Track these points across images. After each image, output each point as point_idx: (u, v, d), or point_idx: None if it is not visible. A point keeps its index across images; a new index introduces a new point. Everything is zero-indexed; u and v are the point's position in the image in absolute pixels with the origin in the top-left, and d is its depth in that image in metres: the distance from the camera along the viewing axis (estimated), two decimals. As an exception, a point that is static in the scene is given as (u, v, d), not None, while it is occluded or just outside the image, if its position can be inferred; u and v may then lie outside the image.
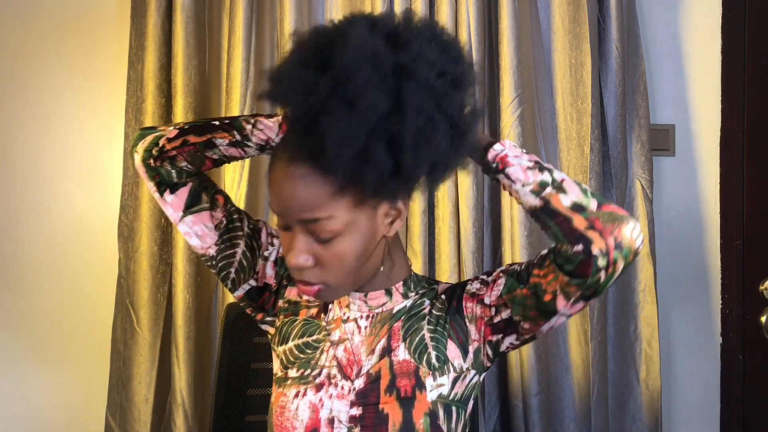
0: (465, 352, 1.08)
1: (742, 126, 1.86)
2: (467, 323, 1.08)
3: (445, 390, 1.05)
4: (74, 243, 1.96)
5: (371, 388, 1.05)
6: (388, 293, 1.10)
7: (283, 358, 1.11)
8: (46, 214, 1.98)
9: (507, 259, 1.77)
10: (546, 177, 1.00)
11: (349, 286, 1.05)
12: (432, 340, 1.08)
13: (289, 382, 1.08)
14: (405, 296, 1.11)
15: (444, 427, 1.04)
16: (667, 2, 1.89)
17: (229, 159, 1.11)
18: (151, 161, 1.10)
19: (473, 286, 1.10)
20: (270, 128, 1.07)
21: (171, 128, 1.11)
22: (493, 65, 1.80)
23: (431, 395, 1.04)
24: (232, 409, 1.44)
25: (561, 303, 0.99)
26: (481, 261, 1.78)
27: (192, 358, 1.79)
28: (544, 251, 1.02)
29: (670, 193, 1.90)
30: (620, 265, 0.96)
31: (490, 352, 1.08)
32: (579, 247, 0.95)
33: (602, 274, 0.96)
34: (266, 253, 1.15)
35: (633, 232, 0.97)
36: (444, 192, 1.76)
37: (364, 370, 1.07)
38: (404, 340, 1.08)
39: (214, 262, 1.14)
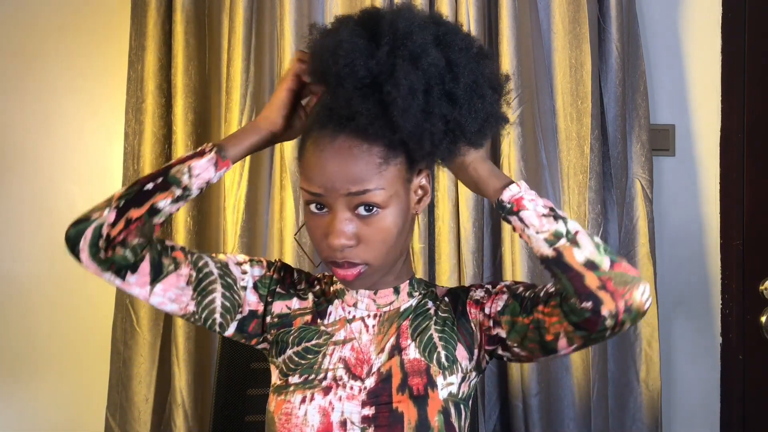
0: (471, 354, 1.09)
1: (742, 126, 1.86)
2: (473, 327, 1.09)
3: (454, 389, 1.06)
4: (74, 243, 1.96)
5: (383, 387, 1.05)
6: (396, 291, 1.11)
7: (283, 367, 1.10)
8: (46, 214, 1.98)
9: (507, 259, 1.77)
10: (560, 227, 0.99)
11: (387, 266, 1.06)
12: (441, 340, 1.08)
13: (291, 388, 1.07)
14: (410, 295, 1.12)
15: (456, 425, 1.05)
16: (667, 2, 1.89)
17: (175, 212, 1.07)
18: (101, 254, 1.02)
19: (477, 294, 1.11)
20: (206, 169, 1.03)
21: (106, 211, 1.02)
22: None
23: (442, 393, 1.05)
24: (232, 409, 1.44)
25: (562, 345, 1.00)
26: (481, 261, 1.78)
27: (192, 358, 1.79)
28: (551, 288, 1.02)
29: (670, 193, 1.90)
30: (627, 326, 0.96)
31: (487, 357, 1.11)
32: (588, 305, 0.95)
33: (608, 333, 0.96)
34: (243, 284, 1.11)
35: (643, 296, 0.96)
36: (444, 192, 1.76)
37: (374, 369, 1.07)
38: (414, 338, 1.08)
39: (197, 316, 1.10)
